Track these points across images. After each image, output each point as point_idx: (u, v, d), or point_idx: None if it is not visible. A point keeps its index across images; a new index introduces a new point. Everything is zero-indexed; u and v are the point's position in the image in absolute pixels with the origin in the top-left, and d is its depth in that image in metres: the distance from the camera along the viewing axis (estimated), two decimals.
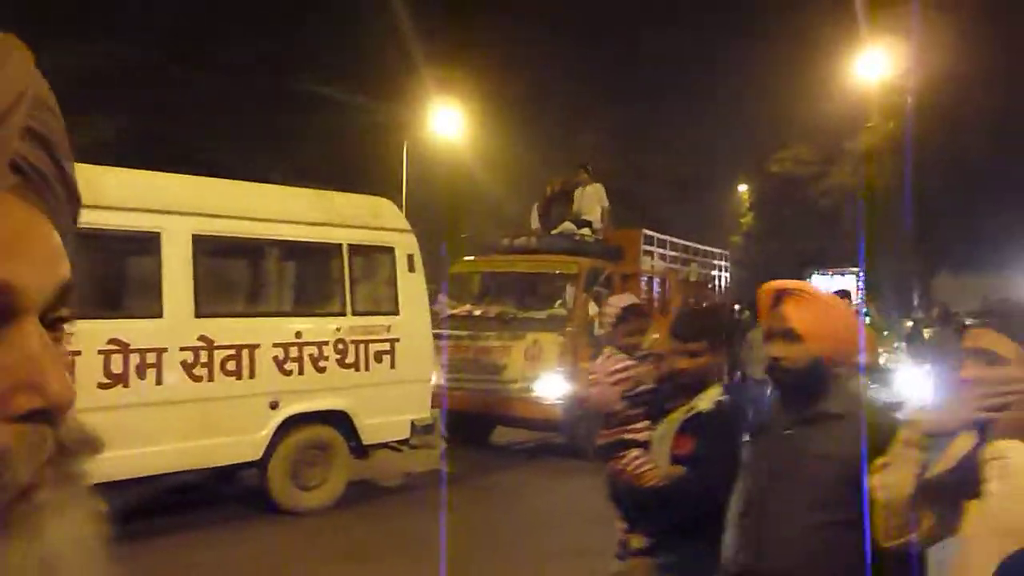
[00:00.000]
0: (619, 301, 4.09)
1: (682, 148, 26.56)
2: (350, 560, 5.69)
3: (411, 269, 7.11)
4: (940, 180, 21.81)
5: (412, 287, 7.13)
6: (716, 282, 12.77)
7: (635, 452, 2.97)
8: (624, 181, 22.33)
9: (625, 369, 3.17)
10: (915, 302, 15.15)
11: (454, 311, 9.53)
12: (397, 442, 7.10)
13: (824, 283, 13.02)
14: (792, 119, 24.77)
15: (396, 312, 6.98)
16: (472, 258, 10.41)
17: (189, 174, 6.60)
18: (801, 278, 13.94)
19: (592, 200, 10.28)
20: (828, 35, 20.48)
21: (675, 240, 11.35)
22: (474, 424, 9.88)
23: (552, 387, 8.64)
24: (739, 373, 9.77)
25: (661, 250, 10.84)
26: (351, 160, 21.36)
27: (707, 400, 2.69)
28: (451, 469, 7.73)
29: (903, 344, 10.93)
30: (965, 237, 23.42)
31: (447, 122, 21.33)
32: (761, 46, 23.26)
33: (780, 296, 2.22)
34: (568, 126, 24.54)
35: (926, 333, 11.58)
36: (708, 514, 2.49)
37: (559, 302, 9.22)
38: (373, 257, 7.15)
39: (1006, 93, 20.44)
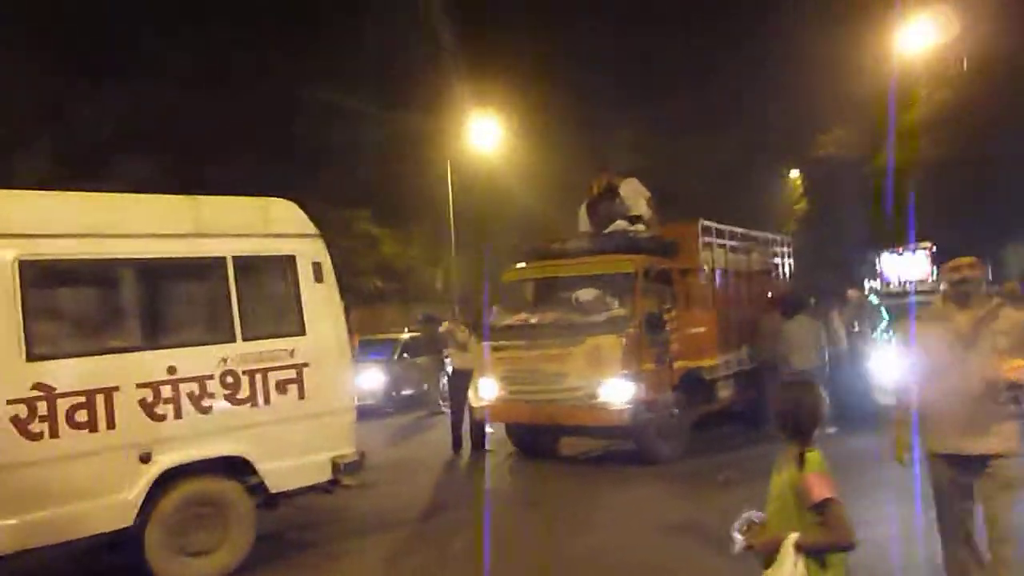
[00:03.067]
0: None
1: (723, 138, 25.92)
2: None
3: (318, 279, 6.03)
4: (1000, 147, 20.82)
5: (321, 301, 6.02)
6: (779, 270, 12.20)
7: None
8: (664, 177, 21.78)
9: None
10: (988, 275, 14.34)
11: (509, 321, 9.20)
12: (326, 483, 6.01)
13: (895, 261, 12.26)
14: (831, 102, 24.00)
15: (301, 332, 5.88)
16: (523, 265, 10.04)
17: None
18: (870, 259, 13.36)
19: (635, 192, 9.88)
20: (863, 11, 19.78)
21: (734, 229, 10.79)
22: (538, 436, 9.54)
23: (617, 391, 8.25)
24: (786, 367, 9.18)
25: (720, 240, 10.34)
26: (384, 178, 21.27)
27: None
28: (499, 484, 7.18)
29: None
30: None
31: (483, 132, 21.07)
32: (795, 27, 22.62)
33: None
34: (603, 125, 24.16)
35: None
36: None
37: (617, 302, 8.82)
38: (267, 269, 6.01)
39: None
